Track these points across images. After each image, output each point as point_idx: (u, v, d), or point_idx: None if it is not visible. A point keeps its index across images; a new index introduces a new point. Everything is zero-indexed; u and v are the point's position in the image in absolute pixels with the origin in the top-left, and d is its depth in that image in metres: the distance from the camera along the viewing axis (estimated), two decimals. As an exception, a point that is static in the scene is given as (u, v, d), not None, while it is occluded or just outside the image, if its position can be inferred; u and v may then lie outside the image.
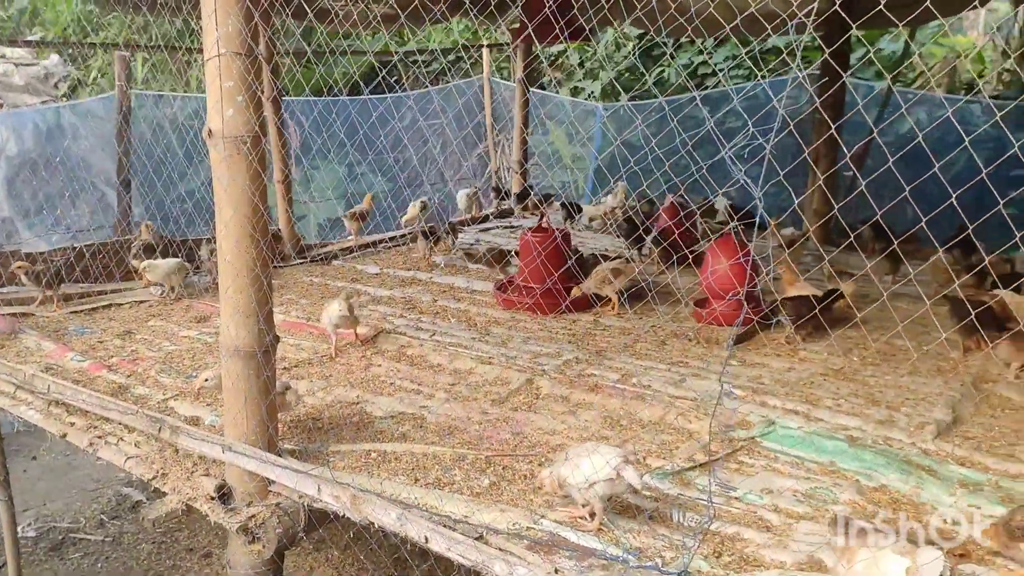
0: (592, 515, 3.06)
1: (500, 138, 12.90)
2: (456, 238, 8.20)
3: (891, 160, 2.79)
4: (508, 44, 10.98)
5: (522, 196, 10.39)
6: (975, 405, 4.31)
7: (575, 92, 14.03)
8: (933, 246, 5.87)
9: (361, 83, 10.05)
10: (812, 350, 5.20)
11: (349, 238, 8.94)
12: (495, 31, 12.38)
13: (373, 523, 3.22)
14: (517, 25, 9.70)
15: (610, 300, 6.15)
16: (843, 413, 4.18)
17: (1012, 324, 4.82)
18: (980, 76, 10.94)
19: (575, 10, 6.77)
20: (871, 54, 10.76)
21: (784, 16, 2.58)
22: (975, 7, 7.74)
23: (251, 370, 3.51)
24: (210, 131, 3.38)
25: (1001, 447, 3.81)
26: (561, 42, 9.97)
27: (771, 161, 2.52)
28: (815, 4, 2.69)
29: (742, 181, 2.52)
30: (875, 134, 7.43)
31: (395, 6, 6.96)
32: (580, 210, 9.51)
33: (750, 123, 2.55)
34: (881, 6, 2.63)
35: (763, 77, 8.41)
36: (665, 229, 7.55)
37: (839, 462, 3.65)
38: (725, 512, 3.24)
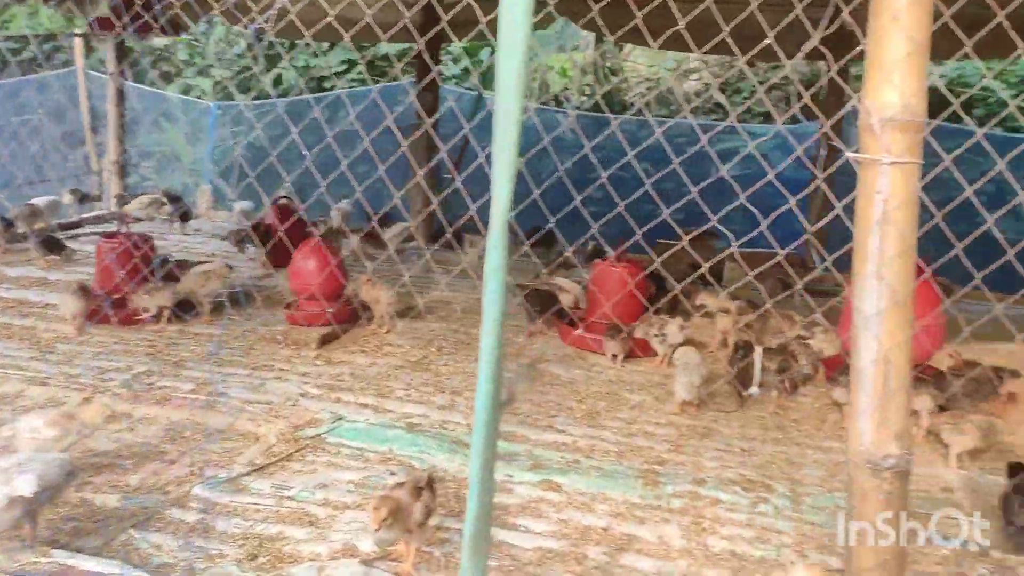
0: None
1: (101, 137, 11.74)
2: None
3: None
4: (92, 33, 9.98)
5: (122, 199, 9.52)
6: (530, 384, 4.74)
7: (186, 90, 13.24)
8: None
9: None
10: (396, 344, 5.38)
11: None
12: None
13: None
14: (104, 14, 8.87)
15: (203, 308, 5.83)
16: (411, 402, 4.38)
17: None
18: (566, 89, 12.27)
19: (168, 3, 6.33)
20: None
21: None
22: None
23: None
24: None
25: (543, 419, 4.24)
26: (151, 34, 9.33)
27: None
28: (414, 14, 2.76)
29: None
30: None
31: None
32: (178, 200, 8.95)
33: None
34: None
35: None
36: (270, 230, 7.35)
37: (396, 448, 3.81)
38: (273, 513, 3.20)
